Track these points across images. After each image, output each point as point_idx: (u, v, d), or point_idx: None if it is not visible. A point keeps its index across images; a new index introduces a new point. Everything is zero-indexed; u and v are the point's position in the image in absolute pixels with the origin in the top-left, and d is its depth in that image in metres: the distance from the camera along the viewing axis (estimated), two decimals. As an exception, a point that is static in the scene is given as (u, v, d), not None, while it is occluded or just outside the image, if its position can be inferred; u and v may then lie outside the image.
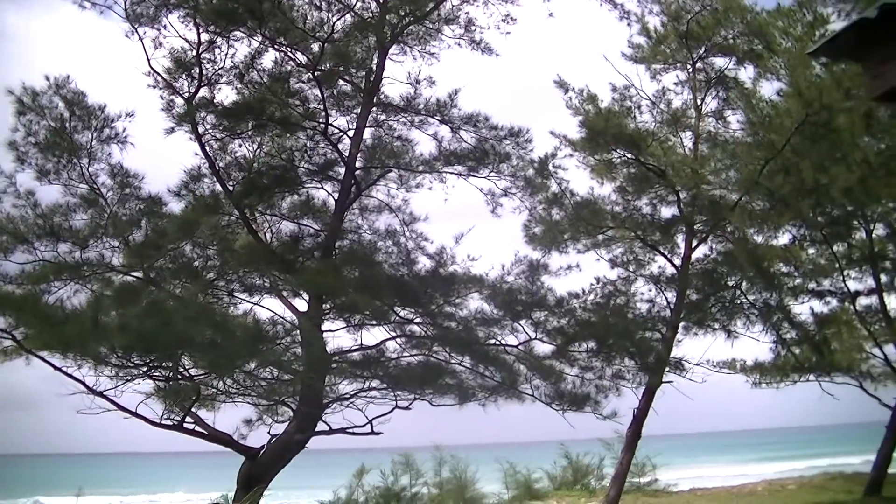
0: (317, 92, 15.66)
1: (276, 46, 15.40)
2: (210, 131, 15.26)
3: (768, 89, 21.92)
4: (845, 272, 22.38)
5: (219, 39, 14.87)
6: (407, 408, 15.52)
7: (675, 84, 20.31)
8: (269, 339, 14.90)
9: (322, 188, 16.66)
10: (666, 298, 19.97)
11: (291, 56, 15.66)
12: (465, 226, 16.47)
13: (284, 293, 15.52)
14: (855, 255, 22.90)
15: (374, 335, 16.17)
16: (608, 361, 17.66)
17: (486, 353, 16.38)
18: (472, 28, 17.07)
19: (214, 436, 14.71)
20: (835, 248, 22.21)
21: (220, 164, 15.63)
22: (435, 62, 17.07)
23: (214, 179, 15.39)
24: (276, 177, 15.91)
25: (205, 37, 14.64)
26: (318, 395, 14.73)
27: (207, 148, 15.09)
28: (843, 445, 51.92)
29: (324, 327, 15.47)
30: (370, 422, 15.13)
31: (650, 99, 19.74)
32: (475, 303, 16.57)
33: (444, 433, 23.89)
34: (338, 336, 16.09)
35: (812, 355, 21.67)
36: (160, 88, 14.83)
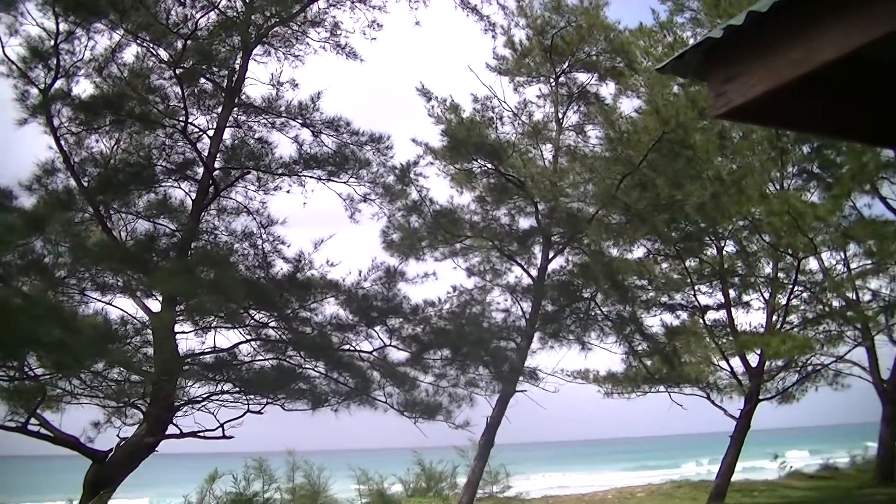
0: (178, 89, 15.82)
1: (137, 41, 15.57)
2: (66, 125, 15.20)
3: (628, 106, 23.45)
4: (696, 287, 24.10)
5: (78, 30, 14.85)
6: (259, 412, 15.89)
7: (538, 97, 21.52)
8: (118, 338, 14.87)
9: (180, 187, 16.81)
10: (521, 308, 21.02)
11: (153, 52, 15.86)
12: (325, 230, 16.92)
13: (138, 293, 15.55)
14: (706, 270, 24.71)
15: (227, 338, 16.43)
16: (462, 370, 18.53)
17: (341, 358, 16.95)
18: (338, 32, 17.82)
19: (60, 439, 14.52)
20: (687, 263, 23.85)
21: (76, 159, 15.50)
22: (299, 65, 17.75)
23: (69, 174, 15.25)
24: (132, 174, 15.96)
25: (64, 27, 14.57)
26: (168, 397, 14.88)
27: (62, 142, 15.00)
28: (691, 454, 54.54)
29: (177, 329, 15.57)
30: (222, 425, 15.36)
31: (512, 111, 20.83)
32: (331, 308, 17.15)
33: (299, 439, 24.18)
34: (191, 338, 16.21)
35: (663, 367, 23.23)
36: (14, 77, 14.66)
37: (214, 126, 16.38)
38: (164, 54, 15.92)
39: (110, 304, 15.65)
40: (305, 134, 17.32)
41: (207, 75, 16.36)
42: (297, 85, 17.17)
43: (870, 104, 3.97)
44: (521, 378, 20.09)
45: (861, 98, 3.92)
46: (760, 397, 23.69)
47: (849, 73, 3.60)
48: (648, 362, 23.69)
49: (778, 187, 23.69)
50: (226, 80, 16.51)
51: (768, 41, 3.24)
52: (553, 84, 21.32)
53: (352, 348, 17.35)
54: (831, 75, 3.48)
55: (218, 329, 16.26)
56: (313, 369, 16.79)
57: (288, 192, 17.48)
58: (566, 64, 21.03)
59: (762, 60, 3.27)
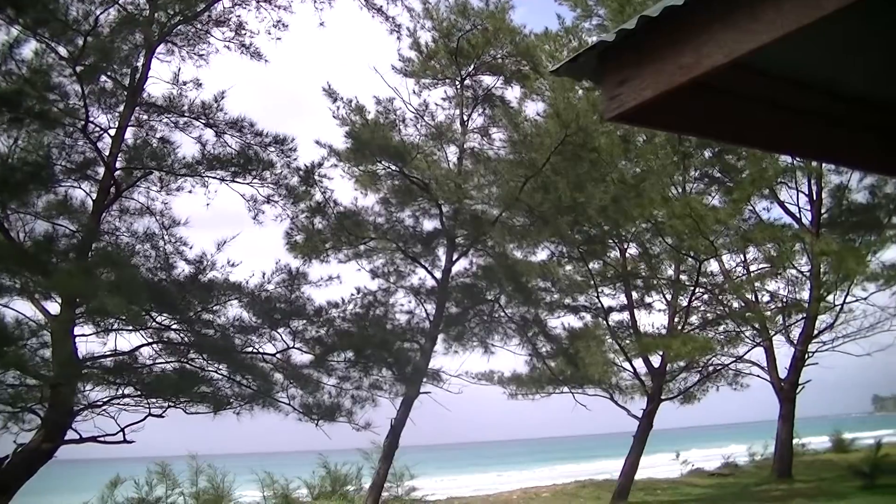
0: (78, 87, 15.63)
1: (36, 37, 15.38)
2: (-39, 122, 14.90)
3: (533, 109, 24.18)
4: (599, 289, 25.12)
5: (-27, 26, 14.60)
6: (160, 416, 15.94)
7: (443, 99, 22.11)
8: (13, 340, 14.64)
9: (80, 188, 16.60)
10: (425, 310, 21.67)
11: (53, 48, 15.69)
12: (228, 232, 17.09)
13: (36, 295, 15.34)
14: (609, 272, 25.73)
15: (129, 340, 16.31)
16: (366, 372, 19.06)
17: (243, 361, 17.17)
18: (243, 32, 18.15)
19: (-49, 446, 14.25)
20: (590, 265, 24.79)
21: (-29, 158, 15.22)
22: (203, 64, 17.97)
23: (-36, 173, 14.93)
24: (31, 173, 15.68)
25: (-43, 22, 14.33)
26: (67, 401, 14.76)
27: (-43, 139, 14.68)
28: (596, 454, 55.81)
29: (76, 331, 15.45)
30: (122, 430, 15.35)
31: (417, 112, 21.33)
32: (234, 310, 17.38)
33: (202, 442, 24.22)
34: (91, 341, 16.06)
35: (566, 368, 24.14)
36: None
37: (116, 125, 16.32)
38: (63, 51, 15.75)
39: (6, 307, 15.36)
40: (209, 134, 17.45)
41: (108, 73, 16.26)
42: (200, 84, 17.33)
43: (760, 110, 4.16)
44: (424, 380, 20.62)
45: (752, 104, 4.11)
46: (662, 397, 24.78)
47: (739, 78, 3.81)
48: (552, 364, 24.50)
49: (680, 191, 24.76)
50: (128, 79, 16.44)
51: (659, 46, 3.31)
52: (458, 86, 21.92)
53: (255, 351, 17.58)
54: (722, 81, 3.70)
55: (119, 332, 16.13)
56: (216, 372, 16.98)
57: (191, 192, 17.55)
58: (472, 67, 21.63)
59: (654, 65, 3.35)
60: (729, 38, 3.03)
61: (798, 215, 27.98)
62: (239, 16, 18.18)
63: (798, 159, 23.69)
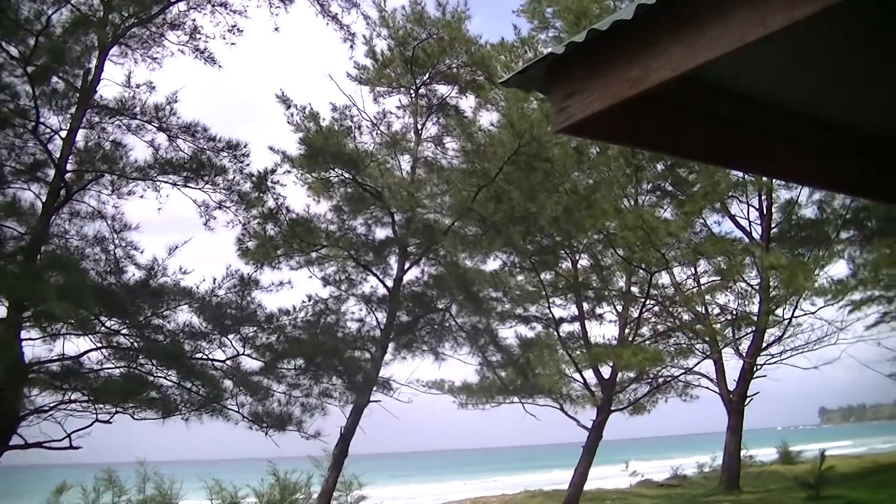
0: (29, 88, 15.57)
1: None
2: None
3: (487, 119, 24.31)
4: (551, 299, 25.46)
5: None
6: (108, 421, 15.87)
7: (398, 108, 22.27)
8: None
9: (29, 189, 16.39)
10: (376, 318, 21.76)
11: (4, 48, 15.53)
12: (180, 237, 17.25)
13: None
14: (560, 283, 26.10)
15: (77, 345, 16.26)
16: (316, 379, 19.13)
17: (193, 367, 17.17)
18: (198, 36, 18.18)
19: None
20: (542, 275, 25.15)
21: (-83, 158, 15.06)
22: (157, 67, 17.99)
23: None
24: None
25: None
26: (12, 406, 14.66)
27: None
28: (546, 464, 56.25)
29: (23, 335, 15.31)
30: (69, 436, 15.28)
31: (371, 120, 21.45)
32: (184, 316, 17.34)
33: (150, 449, 24.09)
34: (38, 345, 15.86)
35: (517, 378, 24.37)
36: None
37: (67, 127, 16.28)
38: (14, 51, 15.65)
39: (-52, 311, 15.20)
40: (161, 138, 17.44)
41: (60, 74, 16.22)
42: (154, 88, 17.29)
43: (709, 125, 4.23)
44: (374, 388, 20.69)
45: (701, 118, 4.19)
46: (612, 408, 25.13)
47: (689, 93, 3.93)
48: (503, 373, 24.67)
49: (632, 203, 25.21)
50: (80, 80, 16.43)
51: (608, 59, 3.35)
52: (413, 95, 22.08)
53: (204, 357, 17.59)
54: (672, 95, 3.81)
55: (67, 336, 16.05)
56: (165, 378, 16.91)
57: (142, 196, 17.52)
58: (427, 76, 21.80)
59: (602, 78, 3.38)
60: (677, 53, 3.10)
61: (748, 229, 28.66)
62: (194, 20, 18.22)
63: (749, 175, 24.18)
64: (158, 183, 17.52)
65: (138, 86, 17.20)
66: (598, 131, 3.84)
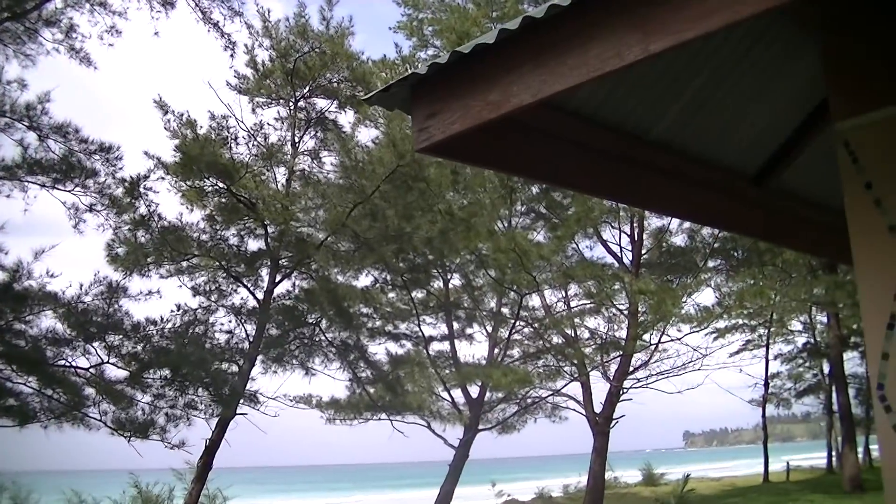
0: None
1: None
2: None
3: (367, 135, 24.45)
4: (421, 317, 26.13)
5: None
6: None
7: (276, 119, 22.51)
8: None
9: None
10: (246, 331, 21.90)
11: None
12: (47, 240, 16.85)
13: None
14: (432, 302, 26.78)
15: None
16: (182, 390, 19.10)
17: (54, 374, 17.04)
18: (74, 35, 18.09)
19: None
20: (413, 293, 25.77)
21: None
22: (30, 65, 17.70)
23: None
24: None
25: None
26: None
27: None
28: (413, 482, 56.69)
29: None
30: None
31: (249, 131, 21.64)
32: (48, 321, 17.20)
33: (6, 458, 23.69)
34: None
35: (386, 395, 24.83)
36: None
37: None
38: None
39: None
40: (31, 137, 17.26)
41: None
42: (26, 85, 17.15)
43: (572, 151, 4.40)
44: (241, 401, 20.70)
45: (564, 145, 4.35)
46: (480, 427, 25.87)
47: (553, 119, 4.11)
48: (372, 390, 25.10)
49: (506, 225, 26.04)
50: None
51: (469, 81, 3.39)
52: (292, 108, 22.38)
53: (67, 364, 17.48)
54: (536, 121, 3.97)
55: None
56: (25, 384, 16.79)
57: (9, 197, 17.28)
58: (307, 89, 22.14)
59: (462, 100, 3.40)
60: (536, 78, 3.15)
61: (620, 255, 29.74)
62: (71, 18, 18.11)
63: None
64: (26, 183, 17.34)
65: (9, 82, 17.03)
66: (461, 153, 3.94)
